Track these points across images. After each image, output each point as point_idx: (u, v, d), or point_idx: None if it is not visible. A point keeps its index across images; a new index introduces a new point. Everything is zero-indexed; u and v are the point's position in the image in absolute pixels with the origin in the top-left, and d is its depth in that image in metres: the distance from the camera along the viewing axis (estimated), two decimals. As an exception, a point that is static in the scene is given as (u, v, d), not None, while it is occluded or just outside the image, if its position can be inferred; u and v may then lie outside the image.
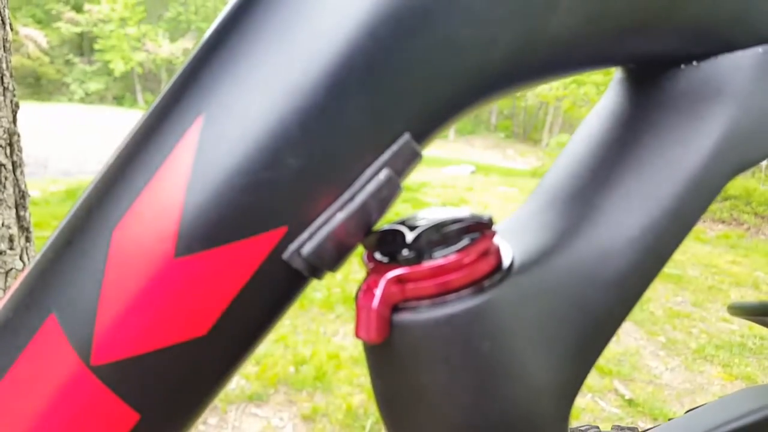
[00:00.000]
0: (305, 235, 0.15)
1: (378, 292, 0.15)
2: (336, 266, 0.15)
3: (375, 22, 0.14)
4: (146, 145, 0.15)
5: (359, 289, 0.16)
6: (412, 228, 0.15)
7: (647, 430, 0.32)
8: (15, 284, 0.16)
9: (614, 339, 2.13)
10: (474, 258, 0.15)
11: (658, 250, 0.17)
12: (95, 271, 0.14)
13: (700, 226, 3.66)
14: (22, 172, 0.85)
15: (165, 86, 0.16)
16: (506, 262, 0.16)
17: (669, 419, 0.33)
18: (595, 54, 0.17)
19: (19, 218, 0.84)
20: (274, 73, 0.14)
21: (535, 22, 0.15)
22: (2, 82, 0.79)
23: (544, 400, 0.16)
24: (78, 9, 13.02)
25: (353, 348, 1.80)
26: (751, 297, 2.54)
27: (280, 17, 0.14)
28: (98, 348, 0.14)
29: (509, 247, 0.17)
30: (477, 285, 0.15)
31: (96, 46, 13.13)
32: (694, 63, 0.18)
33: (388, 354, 0.15)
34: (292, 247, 0.14)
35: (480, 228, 0.15)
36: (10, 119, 0.83)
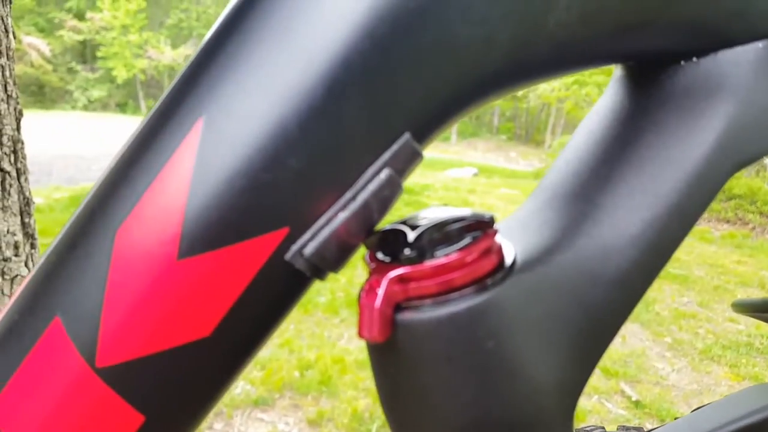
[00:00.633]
0: (307, 235, 0.15)
1: (380, 292, 0.15)
2: (338, 267, 0.15)
3: (372, 22, 0.14)
4: (148, 147, 0.15)
5: (362, 289, 0.16)
6: (413, 227, 0.15)
7: (653, 429, 0.32)
8: (20, 288, 0.16)
9: (620, 340, 2.12)
10: (476, 256, 0.15)
11: (661, 247, 0.17)
12: (99, 273, 0.14)
13: (705, 226, 3.64)
14: (26, 180, 0.85)
15: (166, 90, 0.16)
16: (508, 261, 0.16)
17: (675, 419, 0.32)
18: (595, 51, 0.17)
19: (24, 225, 0.84)
20: (273, 75, 0.14)
21: (534, 20, 0.15)
22: (6, 90, 0.79)
23: (548, 398, 0.16)
24: (80, 17, 13.10)
25: (358, 352, 1.80)
26: (756, 296, 2.52)
27: (278, 20, 0.14)
28: (103, 350, 0.14)
29: (511, 246, 0.17)
30: (479, 283, 0.15)
31: (98, 54, 13.21)
32: (694, 59, 0.18)
33: (391, 353, 0.15)
34: (295, 247, 0.15)
35: (481, 226, 0.15)
36: (14, 127, 0.83)
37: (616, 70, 0.21)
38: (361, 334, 0.15)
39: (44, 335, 0.15)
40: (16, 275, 0.81)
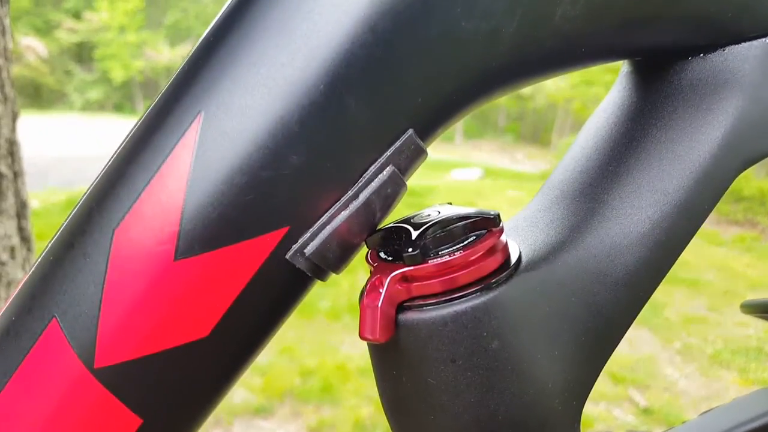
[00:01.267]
0: (308, 234, 0.14)
1: (383, 291, 0.14)
2: (340, 267, 0.15)
3: (374, 16, 0.14)
4: (146, 145, 0.14)
5: (364, 289, 0.15)
6: (417, 226, 0.15)
7: None
8: (17, 288, 0.16)
9: (628, 345, 2.10)
10: (481, 255, 0.15)
11: (669, 246, 0.16)
12: (97, 273, 0.14)
13: (714, 229, 3.63)
14: (23, 182, 0.84)
15: (164, 86, 0.16)
16: (513, 259, 0.16)
17: (683, 422, 0.32)
18: (601, 46, 0.17)
19: (20, 229, 0.83)
20: (274, 70, 0.14)
21: (540, 14, 0.15)
22: (3, 92, 0.78)
23: (555, 400, 0.15)
24: (77, 17, 13.18)
25: (360, 359, 1.78)
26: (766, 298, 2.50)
27: (278, 13, 0.14)
28: (100, 351, 0.14)
29: (516, 244, 0.17)
30: (484, 282, 0.15)
31: (95, 55, 13.29)
32: (701, 55, 0.18)
33: (394, 354, 0.15)
34: (295, 246, 0.14)
35: (486, 224, 0.15)
36: (11, 128, 0.82)
37: (623, 66, 0.21)
38: (362, 335, 0.14)
39: (42, 336, 0.15)
40: (12, 279, 0.79)
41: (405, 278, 0.15)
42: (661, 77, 0.19)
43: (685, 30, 0.17)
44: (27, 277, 0.16)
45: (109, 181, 0.15)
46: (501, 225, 0.15)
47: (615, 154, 0.18)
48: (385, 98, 0.14)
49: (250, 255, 0.14)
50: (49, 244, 0.16)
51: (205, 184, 0.14)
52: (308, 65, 0.13)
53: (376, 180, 0.15)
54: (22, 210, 0.84)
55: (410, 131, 0.15)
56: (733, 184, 0.18)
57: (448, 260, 0.14)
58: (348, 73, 0.14)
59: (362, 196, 0.14)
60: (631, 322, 0.17)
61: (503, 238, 0.15)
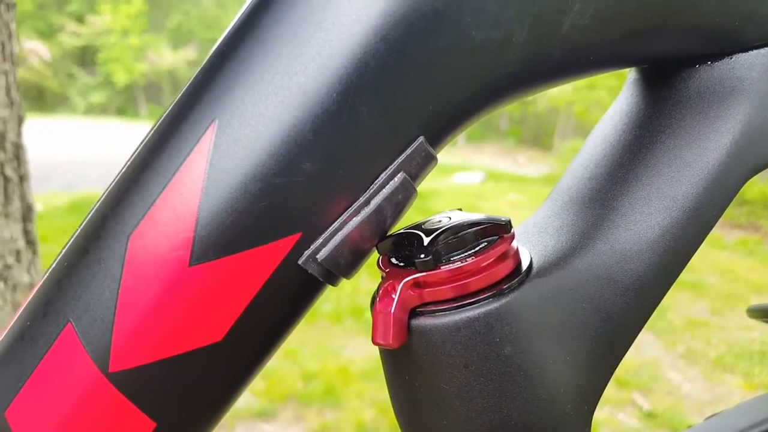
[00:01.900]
0: (320, 240, 0.15)
1: (396, 297, 0.14)
2: (351, 272, 0.15)
3: (386, 25, 0.14)
4: (160, 151, 0.15)
5: (375, 294, 0.16)
6: (428, 232, 0.15)
7: None
8: (31, 293, 0.16)
9: (632, 349, 2.09)
10: (492, 261, 0.15)
11: (678, 252, 0.17)
12: (112, 279, 0.14)
13: (716, 233, 3.61)
14: (28, 186, 0.85)
15: (178, 93, 0.16)
16: (525, 265, 0.16)
17: (688, 427, 0.32)
18: (609, 54, 0.17)
19: (25, 232, 0.83)
20: (287, 78, 0.14)
21: (548, 23, 0.15)
22: (9, 96, 0.79)
23: (566, 404, 0.15)
24: (80, 21, 13.20)
25: (363, 362, 1.78)
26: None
27: (292, 23, 0.14)
28: (115, 356, 0.14)
29: (527, 250, 0.17)
30: (496, 288, 0.15)
31: (98, 58, 13.31)
32: (709, 63, 0.18)
33: (406, 359, 0.15)
34: (307, 252, 0.15)
35: (498, 231, 0.15)
36: (17, 133, 0.82)
37: (630, 74, 0.21)
38: (375, 341, 0.15)
39: (57, 341, 0.15)
40: (18, 282, 0.79)
41: (417, 284, 0.15)
42: (668, 84, 0.19)
43: (693, 38, 0.17)
44: (41, 282, 0.16)
45: (124, 188, 0.15)
46: (512, 231, 0.16)
47: (624, 161, 0.19)
48: (397, 106, 0.14)
49: (264, 260, 0.14)
50: (63, 250, 0.16)
51: (219, 191, 0.14)
52: (321, 74, 0.14)
53: (387, 186, 0.15)
54: (27, 213, 0.85)
55: (421, 138, 0.15)
56: (736, 187, 0.18)
57: (460, 266, 0.14)
58: (360, 81, 0.14)
59: (374, 203, 0.15)
60: (641, 328, 0.17)
61: (514, 244, 0.16)
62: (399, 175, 0.15)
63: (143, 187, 0.15)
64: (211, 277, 0.14)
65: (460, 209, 0.17)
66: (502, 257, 0.15)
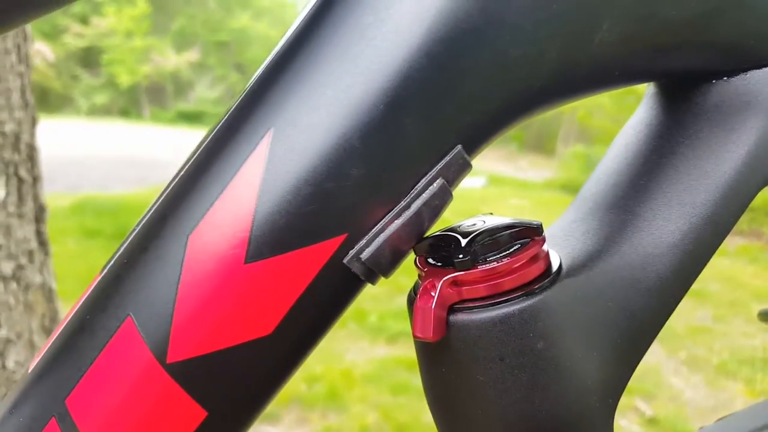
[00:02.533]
0: (363, 241, 0.16)
1: (435, 294, 0.15)
2: (390, 271, 0.16)
3: (430, 42, 0.15)
4: (218, 157, 0.16)
5: (413, 292, 0.17)
6: (464, 234, 0.16)
7: None
8: (89, 289, 0.17)
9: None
10: (526, 261, 0.16)
11: (697, 255, 0.18)
12: (171, 275, 0.15)
13: (718, 239, 3.60)
14: (41, 187, 0.85)
15: (233, 103, 0.17)
16: (555, 266, 0.17)
17: (700, 428, 0.33)
18: (633, 70, 0.18)
19: (38, 233, 0.84)
20: (338, 91, 0.15)
21: (579, 41, 0.16)
22: (24, 98, 0.80)
23: (592, 397, 0.16)
24: (85, 22, 13.23)
25: (366, 365, 1.78)
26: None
27: (343, 39, 0.15)
28: (173, 347, 0.15)
29: (556, 253, 0.18)
30: (528, 287, 0.16)
31: (102, 60, 13.33)
32: (725, 78, 0.19)
33: (444, 352, 0.16)
34: (352, 252, 0.16)
35: (530, 233, 0.16)
36: (31, 134, 0.83)
37: (649, 87, 0.22)
38: (415, 335, 0.16)
39: (117, 333, 0.16)
40: (30, 282, 0.80)
41: (455, 282, 0.16)
42: (686, 98, 0.20)
43: (711, 56, 0.19)
44: (99, 278, 0.17)
45: (183, 191, 0.16)
46: (543, 234, 0.17)
47: (645, 169, 0.20)
48: (438, 117, 0.15)
49: (312, 259, 0.15)
50: (121, 249, 0.17)
51: (274, 194, 0.15)
52: (369, 87, 0.15)
53: (426, 192, 0.16)
54: (40, 214, 0.85)
55: (459, 147, 0.16)
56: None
57: (496, 266, 0.15)
58: (405, 94, 0.15)
59: (414, 207, 0.16)
60: (662, 326, 0.18)
61: (545, 246, 0.17)
62: (438, 181, 0.16)
63: (202, 190, 0.16)
64: (265, 274, 0.15)
65: (491, 213, 0.18)
66: (535, 258, 0.16)
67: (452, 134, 0.16)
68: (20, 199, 0.81)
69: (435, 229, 0.17)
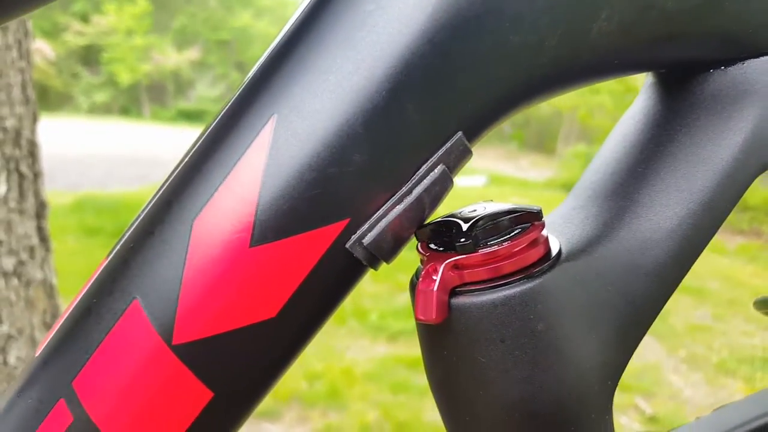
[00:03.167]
0: (366, 226, 0.16)
1: (437, 278, 0.16)
2: (391, 257, 0.16)
3: (433, 29, 0.15)
4: (222, 143, 0.16)
5: (415, 277, 0.17)
6: (465, 219, 0.16)
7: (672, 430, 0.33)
8: (94, 274, 0.17)
9: (634, 353, 2.09)
10: (526, 245, 0.16)
11: (694, 240, 0.18)
12: (177, 258, 0.15)
13: (718, 238, 3.60)
14: (42, 183, 0.86)
15: (236, 90, 0.17)
16: (555, 251, 0.17)
17: (697, 417, 0.33)
18: (633, 59, 0.18)
19: (39, 229, 0.84)
20: (341, 77, 0.15)
21: (578, 29, 0.16)
22: (25, 94, 0.80)
23: (591, 378, 0.17)
24: (85, 20, 13.21)
25: (366, 363, 1.78)
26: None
27: (346, 27, 0.15)
28: (179, 329, 0.15)
29: (556, 238, 0.18)
30: (528, 271, 0.16)
31: (102, 57, 13.30)
32: (723, 68, 0.19)
33: (446, 335, 0.16)
34: (354, 237, 0.16)
35: (530, 218, 0.16)
36: (32, 130, 0.83)
37: (647, 78, 0.22)
38: (418, 317, 0.16)
39: (123, 316, 0.16)
40: (32, 278, 0.80)
41: (457, 266, 0.16)
42: (684, 88, 0.20)
43: (709, 45, 0.19)
44: (104, 264, 0.17)
45: (187, 176, 0.16)
46: (543, 219, 0.17)
47: (643, 157, 0.20)
48: (439, 103, 0.16)
49: (315, 243, 0.15)
50: (127, 234, 0.17)
51: (277, 179, 0.15)
52: (372, 74, 0.15)
53: (427, 178, 0.16)
54: (41, 210, 0.85)
55: (459, 133, 0.16)
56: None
57: (497, 250, 0.16)
58: (408, 80, 0.15)
59: (415, 192, 0.16)
60: (660, 311, 0.18)
61: (545, 231, 0.17)
62: (439, 167, 0.16)
63: (206, 176, 0.16)
64: (269, 257, 0.15)
65: (491, 200, 0.19)
66: (535, 242, 0.16)
67: (453, 121, 0.16)
68: (21, 195, 0.81)
69: (435, 217, 0.18)
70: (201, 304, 0.15)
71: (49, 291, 0.87)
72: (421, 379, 1.70)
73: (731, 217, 0.20)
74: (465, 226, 0.16)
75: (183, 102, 13.91)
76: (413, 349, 1.98)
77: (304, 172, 0.15)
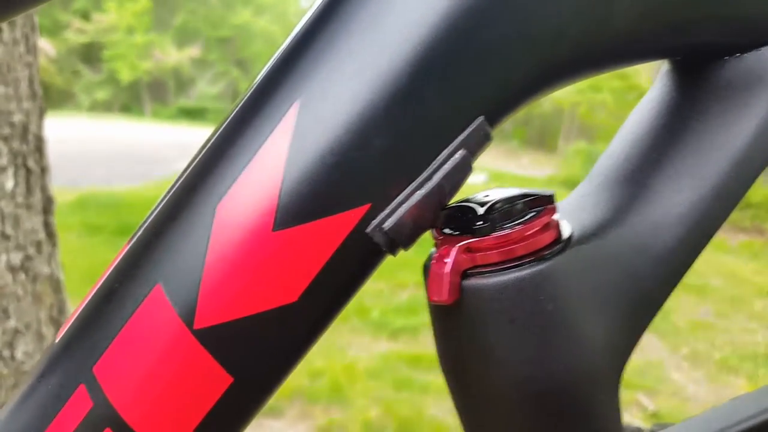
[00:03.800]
0: (386, 211, 0.16)
1: (449, 260, 0.16)
2: (411, 243, 0.16)
3: (455, 14, 0.15)
4: (245, 128, 0.16)
5: (428, 261, 0.17)
6: (480, 204, 0.17)
7: (665, 424, 0.34)
8: (116, 259, 0.18)
9: (636, 351, 2.09)
10: (538, 228, 0.16)
11: (705, 226, 0.18)
12: (200, 243, 0.16)
13: (721, 236, 3.60)
14: (49, 178, 0.86)
15: (258, 75, 0.17)
16: (566, 235, 0.17)
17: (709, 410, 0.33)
18: (652, 45, 0.19)
19: (45, 224, 0.84)
20: (364, 63, 0.15)
21: (599, 16, 0.16)
22: (32, 88, 0.80)
23: (601, 358, 0.17)
24: (86, 18, 13.18)
25: (368, 361, 1.78)
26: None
27: (369, 12, 0.16)
28: (201, 313, 0.15)
29: (568, 223, 0.18)
30: (541, 253, 0.16)
31: (103, 55, 13.28)
32: (738, 55, 0.19)
33: (457, 317, 0.17)
34: (375, 222, 0.16)
35: (543, 203, 0.17)
36: (38, 125, 0.83)
37: (663, 66, 0.22)
38: (430, 298, 0.16)
39: (145, 301, 0.16)
40: (39, 273, 0.80)
41: (469, 249, 0.16)
42: (700, 75, 0.20)
43: (728, 30, 0.19)
44: (127, 249, 0.17)
45: (211, 162, 0.16)
46: (555, 204, 0.17)
47: (656, 144, 0.20)
48: (461, 88, 0.16)
49: (337, 228, 0.16)
50: (149, 219, 0.17)
51: (301, 164, 0.15)
52: (395, 58, 0.15)
53: (448, 163, 0.16)
54: (48, 205, 0.86)
55: (481, 118, 0.16)
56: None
57: (510, 233, 0.16)
58: (431, 65, 0.15)
59: (436, 177, 0.16)
60: (669, 295, 0.18)
61: (557, 215, 0.17)
62: (460, 152, 0.16)
63: (230, 161, 0.16)
64: (291, 242, 0.15)
65: (498, 187, 0.19)
66: (547, 226, 0.17)
67: (474, 105, 0.16)
68: (28, 190, 0.81)
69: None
70: (223, 288, 0.15)
71: (56, 286, 0.87)
72: (423, 376, 1.71)
73: (734, 214, 0.20)
74: (481, 210, 0.16)
75: (184, 100, 13.90)
76: (415, 346, 1.99)
77: (326, 157, 0.15)
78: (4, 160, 0.76)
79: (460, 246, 0.16)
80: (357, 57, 0.15)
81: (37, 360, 0.18)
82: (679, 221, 0.18)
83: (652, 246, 0.18)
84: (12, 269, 0.78)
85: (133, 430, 0.16)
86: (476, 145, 0.16)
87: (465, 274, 0.16)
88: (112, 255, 0.19)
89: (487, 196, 0.17)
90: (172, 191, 0.17)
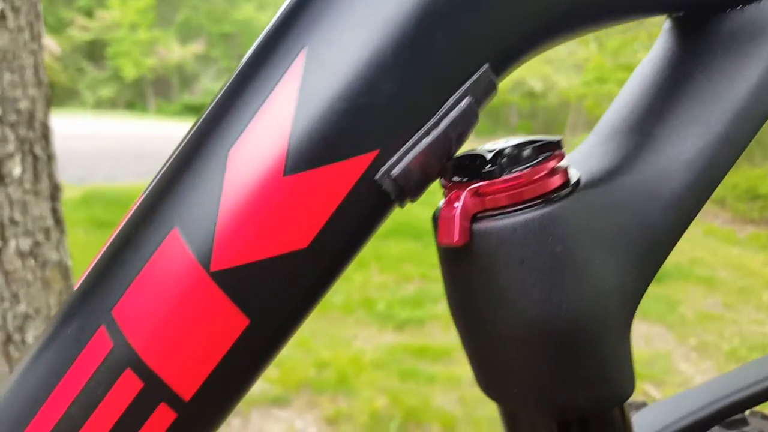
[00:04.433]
0: (395, 158, 0.16)
1: (459, 204, 0.16)
2: (418, 192, 0.17)
3: None
4: (255, 75, 0.16)
5: (438, 209, 0.18)
6: (489, 151, 0.17)
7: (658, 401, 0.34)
8: (132, 208, 0.18)
9: (644, 341, 2.09)
10: (546, 172, 0.16)
11: (711, 171, 0.18)
12: (214, 187, 0.16)
13: (729, 227, 3.58)
14: (55, 166, 0.86)
15: (269, 24, 0.17)
16: (574, 180, 0.17)
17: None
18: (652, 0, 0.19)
19: (53, 211, 0.85)
20: (370, 8, 0.15)
21: None
22: (38, 76, 0.80)
23: (610, 300, 0.17)
24: (90, 15, 13.21)
25: (374, 351, 1.79)
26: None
27: None
28: (217, 256, 0.16)
29: (576, 170, 0.18)
30: (549, 195, 0.16)
31: (107, 52, 13.32)
32: (739, 7, 0.19)
33: (467, 260, 0.17)
34: (383, 168, 0.16)
35: (552, 148, 0.17)
36: (45, 113, 0.84)
37: (665, 23, 0.23)
38: (440, 241, 0.16)
39: (162, 244, 0.16)
40: (47, 260, 0.81)
41: (478, 192, 0.16)
42: (701, 29, 0.20)
43: None
44: (143, 197, 0.18)
45: (222, 109, 0.17)
46: (563, 149, 0.17)
47: (661, 95, 0.20)
48: (467, 34, 0.16)
49: (346, 174, 0.16)
50: (164, 167, 0.18)
51: (310, 110, 0.15)
52: (402, 3, 0.15)
53: (455, 110, 0.16)
54: (55, 192, 0.86)
55: (486, 65, 0.16)
56: (748, 182, 0.19)
57: (518, 175, 0.16)
58: (437, 9, 0.15)
59: (442, 125, 0.16)
60: (677, 241, 0.19)
61: (565, 161, 0.18)
62: (466, 99, 0.16)
63: (241, 108, 0.16)
64: (303, 186, 0.16)
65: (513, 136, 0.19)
66: (555, 170, 0.17)
67: (480, 52, 0.16)
68: (36, 176, 0.81)
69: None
70: (237, 231, 0.16)
71: (65, 272, 0.88)
72: (430, 367, 1.71)
73: (742, 206, 0.20)
74: (489, 156, 0.17)
75: (188, 96, 13.92)
76: (421, 337, 1.99)
77: (335, 103, 0.15)
78: (12, 147, 0.76)
79: (469, 190, 0.16)
80: (364, 2, 0.15)
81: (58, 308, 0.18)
82: (687, 167, 0.18)
83: (660, 192, 0.18)
84: (21, 255, 0.78)
85: (153, 371, 0.16)
86: (482, 93, 0.16)
87: (474, 218, 0.16)
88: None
89: (495, 144, 0.17)
90: (186, 140, 0.17)
